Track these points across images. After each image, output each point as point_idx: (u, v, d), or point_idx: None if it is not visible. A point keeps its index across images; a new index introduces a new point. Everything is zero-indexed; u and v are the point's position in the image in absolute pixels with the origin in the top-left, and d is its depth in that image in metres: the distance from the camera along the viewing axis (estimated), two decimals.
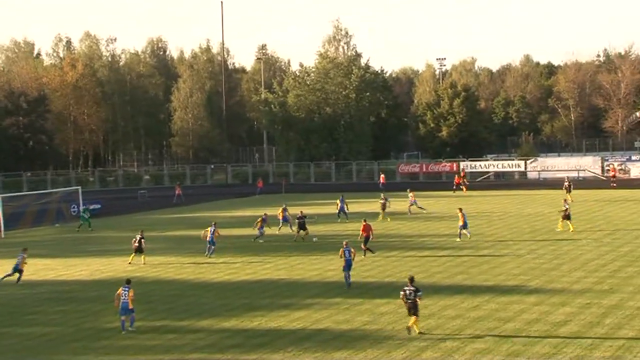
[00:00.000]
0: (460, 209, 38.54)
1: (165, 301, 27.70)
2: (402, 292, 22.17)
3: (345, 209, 47.68)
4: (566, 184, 55.13)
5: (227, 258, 36.31)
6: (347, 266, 28.67)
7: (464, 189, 64.35)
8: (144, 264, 35.13)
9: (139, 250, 35.15)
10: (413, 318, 21.76)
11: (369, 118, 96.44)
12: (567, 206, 40.87)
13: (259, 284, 30.09)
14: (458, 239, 37.78)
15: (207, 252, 36.60)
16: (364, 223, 34.90)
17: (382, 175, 72.08)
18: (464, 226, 37.93)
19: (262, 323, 24.12)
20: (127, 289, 23.92)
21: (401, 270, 31.19)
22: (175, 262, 35.96)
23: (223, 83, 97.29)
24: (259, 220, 41.21)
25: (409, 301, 21.79)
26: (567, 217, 39.77)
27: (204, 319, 24.93)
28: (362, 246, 34.34)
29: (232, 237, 42.80)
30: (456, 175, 68.12)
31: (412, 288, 22.02)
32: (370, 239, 34.70)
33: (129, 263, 35.27)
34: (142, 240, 35.21)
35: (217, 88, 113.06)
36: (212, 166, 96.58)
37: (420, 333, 21.82)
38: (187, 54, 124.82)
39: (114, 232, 48.23)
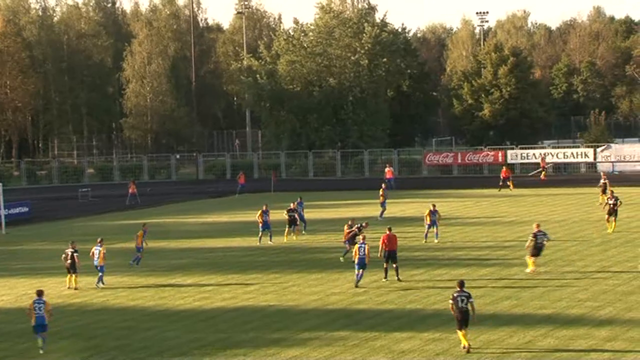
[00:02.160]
0: (434, 205, 42.09)
1: (116, 335, 27.73)
2: (451, 300, 24.38)
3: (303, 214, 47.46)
4: (602, 181, 54.86)
5: (198, 278, 36.35)
6: (360, 264, 32.41)
7: (511, 186, 64.39)
8: (76, 288, 34.91)
9: (73, 269, 35.03)
10: (463, 332, 24.08)
11: (387, 92, 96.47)
12: (615, 200, 42.39)
13: (240, 313, 30.11)
14: (424, 240, 40.88)
15: (131, 261, 38.71)
16: (388, 232, 34.17)
17: (389, 169, 71.84)
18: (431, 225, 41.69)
19: None
20: (41, 302, 25.91)
21: (429, 294, 31.23)
22: (129, 283, 36.00)
23: (192, 46, 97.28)
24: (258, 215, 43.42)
25: (462, 310, 24.10)
26: (612, 212, 42.25)
27: (168, 358, 24.91)
28: (385, 264, 33.69)
29: (204, 251, 42.85)
30: (504, 167, 68.24)
31: (464, 294, 24.18)
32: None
33: (68, 287, 35.32)
34: (76, 255, 35.00)
35: (184, 52, 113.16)
36: (178, 156, 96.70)
37: (468, 348, 23.87)
38: (144, 7, 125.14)
39: (47, 245, 48.27)
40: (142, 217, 58.62)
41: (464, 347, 24.16)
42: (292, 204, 46.11)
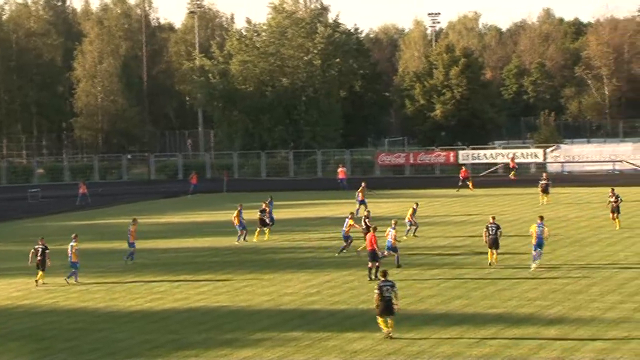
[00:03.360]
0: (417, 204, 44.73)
1: (66, 337, 27.49)
2: (376, 290, 25.68)
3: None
4: (543, 182, 56.26)
5: (150, 279, 36.16)
6: (391, 248, 35.55)
7: (471, 185, 64.80)
8: (43, 283, 35.33)
9: (42, 266, 35.34)
10: (383, 319, 25.55)
11: (339, 92, 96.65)
12: (616, 197, 43.77)
13: (192, 314, 30.02)
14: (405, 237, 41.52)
15: (125, 257, 39.30)
16: (372, 233, 34.48)
17: (341, 169, 72.23)
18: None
19: None
20: None
21: None
22: (78, 285, 35.69)
23: (144, 45, 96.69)
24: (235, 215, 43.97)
25: (386, 299, 25.38)
26: (616, 209, 43.63)
27: (118, 359, 24.83)
28: (369, 264, 33.92)
29: (156, 251, 42.64)
30: (462, 167, 68.83)
31: (388, 283, 25.64)
32: (380, 254, 34.53)
33: (37, 282, 35.25)
34: (47, 251, 35.45)
35: (136, 52, 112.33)
36: (130, 156, 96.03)
37: (388, 335, 25.32)
38: (95, 6, 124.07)
39: None
40: (93, 218, 58.26)
41: (386, 335, 25.36)
42: (263, 204, 46.03)
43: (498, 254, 35.93)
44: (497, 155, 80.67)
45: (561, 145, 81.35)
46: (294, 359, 24.21)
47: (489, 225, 35.98)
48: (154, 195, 71.42)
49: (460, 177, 66.00)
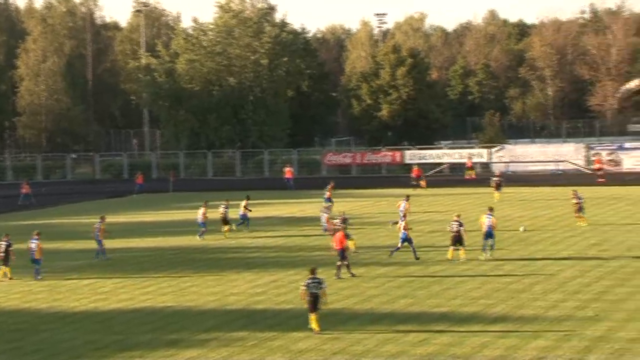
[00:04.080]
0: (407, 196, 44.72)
1: (8, 338, 27.16)
2: (304, 286, 26.19)
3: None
4: (496, 179, 58.75)
5: (94, 280, 35.87)
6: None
7: (424, 184, 65.18)
8: (10, 278, 35.84)
9: (6, 262, 35.96)
10: (314, 316, 26.03)
11: (286, 92, 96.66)
12: (580, 198, 44.68)
13: (137, 314, 29.85)
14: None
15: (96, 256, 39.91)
16: (341, 232, 35.04)
17: (288, 169, 72.35)
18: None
19: None
20: None
21: (327, 293, 31.33)
22: (20, 285, 35.30)
23: (89, 44, 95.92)
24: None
25: (314, 295, 25.92)
26: (580, 209, 44.64)
27: None
28: (338, 262, 34.25)
29: None
30: (414, 167, 69.28)
31: (316, 280, 26.14)
32: (350, 252, 35.06)
33: (1, 280, 35.28)
34: (10, 248, 36.02)
35: (81, 50, 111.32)
36: (74, 155, 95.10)
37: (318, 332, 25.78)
38: (39, 4, 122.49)
39: None
40: (36, 218, 57.57)
41: (314, 331, 25.87)
42: (225, 200, 47.45)
43: (464, 250, 36.76)
44: (443, 155, 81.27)
45: (505, 145, 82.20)
46: (240, 358, 24.18)
47: (452, 223, 36.77)
48: (99, 195, 70.85)
49: (413, 176, 66.41)
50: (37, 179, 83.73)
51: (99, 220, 40.98)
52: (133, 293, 33.10)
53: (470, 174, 72.29)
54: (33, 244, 36.13)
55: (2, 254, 35.98)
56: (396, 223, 42.75)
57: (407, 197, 46.68)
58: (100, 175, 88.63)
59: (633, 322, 26.05)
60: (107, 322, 28.96)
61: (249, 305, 30.33)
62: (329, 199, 52.62)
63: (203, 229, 45.31)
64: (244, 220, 47.43)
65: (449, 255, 36.74)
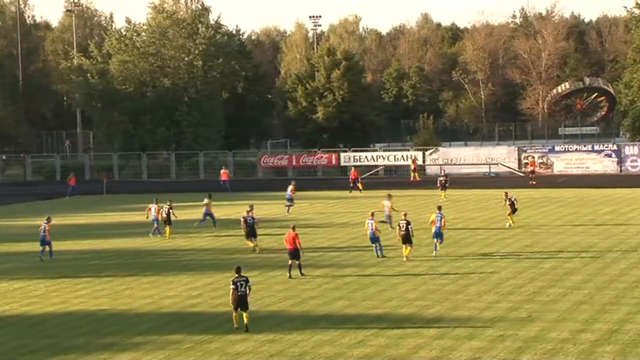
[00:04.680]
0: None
1: None
2: (232, 285, 26.69)
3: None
4: (441, 179, 60.47)
5: (25, 283, 35.28)
6: (373, 239, 37.36)
7: (361, 187, 65.19)
8: None
9: None
10: (237, 314, 26.69)
11: (221, 94, 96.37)
12: (512, 198, 45.49)
13: (70, 318, 29.43)
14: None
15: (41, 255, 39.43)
16: (292, 231, 34.81)
17: (224, 170, 72.14)
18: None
19: None
20: None
21: (263, 296, 31.33)
22: None
23: (19, 43, 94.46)
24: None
25: (240, 294, 26.57)
26: (513, 210, 45.49)
27: None
28: (289, 261, 34.53)
29: (32, 254, 41.58)
30: (352, 169, 69.41)
31: (242, 278, 26.71)
32: (301, 252, 35.00)
33: None
34: None
35: (11, 50, 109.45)
36: (4, 157, 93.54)
37: (244, 328, 26.38)
38: None
39: None
40: None
41: (236, 328, 26.57)
42: (168, 201, 47.11)
43: (411, 248, 37.29)
44: (378, 157, 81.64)
45: (440, 148, 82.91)
46: None
47: (400, 222, 37.17)
48: (31, 197, 69.81)
49: (351, 179, 66.55)
50: None
51: (45, 220, 40.68)
52: (66, 296, 32.63)
53: (414, 176, 72.68)
54: None
55: None
56: (385, 222, 43.49)
57: (389, 195, 46.97)
58: (31, 176, 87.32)
59: (565, 323, 26.45)
60: (39, 325, 28.52)
61: (184, 308, 30.12)
62: (290, 198, 54.42)
63: (156, 225, 45.66)
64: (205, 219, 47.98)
65: (404, 253, 37.16)
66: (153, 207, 46.53)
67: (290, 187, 55.29)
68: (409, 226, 37.03)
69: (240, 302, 26.57)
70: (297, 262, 34.56)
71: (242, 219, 41.15)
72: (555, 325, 26.26)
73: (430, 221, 38.43)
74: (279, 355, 24.09)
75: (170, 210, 45.95)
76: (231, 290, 26.73)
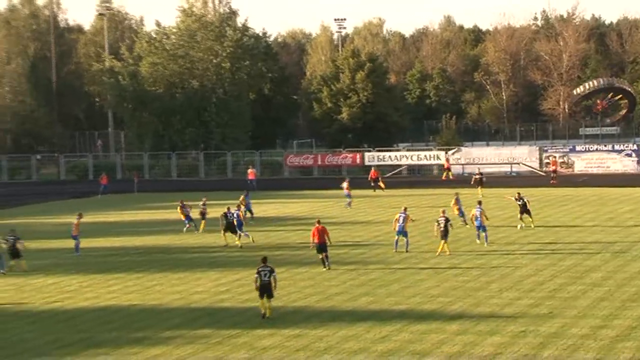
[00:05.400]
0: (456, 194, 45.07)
1: None
2: (256, 274, 27.62)
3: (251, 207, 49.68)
4: (477, 176, 61.33)
5: (60, 278, 35.54)
6: (401, 232, 37.94)
7: (383, 186, 65.06)
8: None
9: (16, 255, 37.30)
10: (263, 301, 27.53)
11: (249, 95, 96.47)
12: (522, 199, 44.57)
13: (102, 313, 29.61)
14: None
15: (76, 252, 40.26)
16: (318, 225, 35.72)
17: (251, 170, 72.29)
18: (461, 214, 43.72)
19: None
20: None
21: (290, 292, 31.39)
22: None
23: (52, 46, 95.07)
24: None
25: (264, 283, 27.36)
26: (526, 211, 44.49)
27: (27, 359, 24.27)
28: (320, 255, 35.36)
29: (66, 251, 41.90)
30: (372, 169, 69.25)
31: (267, 268, 27.47)
32: (329, 244, 35.76)
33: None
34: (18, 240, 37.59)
35: (45, 53, 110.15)
36: (39, 157, 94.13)
37: (264, 315, 27.35)
38: (2, 7, 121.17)
39: None
40: (2, 218, 56.85)
41: (267, 313, 27.50)
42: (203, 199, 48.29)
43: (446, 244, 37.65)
44: (402, 157, 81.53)
45: (462, 147, 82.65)
46: (204, 356, 24.07)
47: (439, 219, 37.65)
48: (64, 196, 70.21)
49: (371, 178, 66.37)
50: (3, 180, 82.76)
51: (77, 216, 41.76)
52: (98, 292, 32.84)
53: (447, 175, 72.43)
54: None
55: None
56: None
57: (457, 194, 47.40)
58: (65, 176, 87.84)
59: (585, 319, 26.33)
60: (73, 320, 28.72)
61: (213, 304, 30.23)
62: (348, 195, 56.00)
63: (189, 224, 46.39)
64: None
65: (439, 249, 37.45)
66: (183, 205, 46.94)
67: (345, 185, 56.78)
68: (448, 223, 37.50)
69: (265, 290, 27.45)
70: (324, 254, 35.25)
71: (222, 215, 42.15)
72: (575, 321, 26.15)
73: (471, 215, 39.80)
74: (305, 350, 24.14)
75: (204, 207, 46.77)
76: (255, 279, 27.63)
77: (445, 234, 37.49)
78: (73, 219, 41.88)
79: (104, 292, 32.72)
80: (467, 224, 43.91)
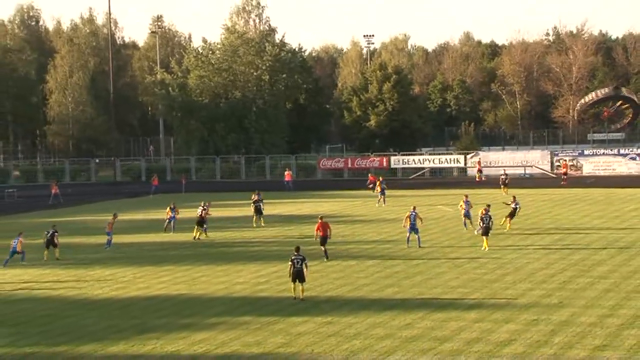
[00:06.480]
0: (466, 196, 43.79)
1: (38, 323, 27.04)
2: (290, 262, 28.29)
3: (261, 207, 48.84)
4: (503, 177, 61.52)
5: (115, 270, 35.77)
6: (413, 229, 37.48)
7: (378, 190, 64.44)
8: (57, 258, 37.92)
9: (53, 245, 38.50)
10: (295, 285, 28.19)
11: (285, 104, 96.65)
12: (516, 204, 43.20)
13: (153, 301, 29.74)
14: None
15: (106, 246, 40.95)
16: (320, 221, 36.28)
17: (287, 172, 72.27)
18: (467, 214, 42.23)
19: (157, 347, 23.82)
20: None
21: (322, 283, 31.36)
22: (50, 275, 35.18)
23: (110, 61, 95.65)
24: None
25: (297, 270, 28.00)
26: (513, 215, 42.86)
27: (86, 343, 24.42)
28: (322, 248, 35.88)
29: (122, 246, 42.20)
30: (370, 174, 68.93)
31: (299, 256, 28.16)
32: (329, 238, 36.29)
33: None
34: (55, 234, 38.71)
35: (103, 67, 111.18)
36: (97, 160, 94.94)
37: (297, 297, 28.08)
38: (66, 25, 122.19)
39: None
40: (64, 215, 57.41)
41: (294, 298, 28.23)
42: (254, 196, 48.44)
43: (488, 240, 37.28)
44: (424, 160, 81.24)
45: (480, 152, 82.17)
46: (245, 340, 24.11)
47: (483, 216, 37.46)
48: (119, 196, 70.67)
49: (370, 182, 65.74)
50: (65, 181, 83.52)
51: (112, 216, 42.72)
52: (150, 282, 33.01)
53: (479, 177, 72.14)
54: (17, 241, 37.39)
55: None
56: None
57: (467, 196, 44.66)
58: (120, 177, 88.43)
59: (593, 309, 26.06)
60: (126, 308, 28.87)
61: (253, 293, 30.26)
62: (383, 192, 56.28)
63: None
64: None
65: (485, 245, 36.94)
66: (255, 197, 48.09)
67: (377, 183, 57.43)
68: (491, 220, 37.31)
69: (297, 276, 28.06)
70: (324, 248, 35.81)
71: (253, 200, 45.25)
72: (584, 310, 25.89)
73: (480, 213, 38.96)
74: (336, 336, 24.10)
75: (260, 203, 47.65)
76: (289, 266, 28.27)
77: (486, 231, 37.12)
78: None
79: (155, 283, 32.87)
80: (467, 227, 42.07)
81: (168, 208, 47.33)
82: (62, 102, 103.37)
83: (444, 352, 22.26)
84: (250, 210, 48.44)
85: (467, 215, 42.55)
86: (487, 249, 36.76)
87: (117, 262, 37.63)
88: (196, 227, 43.75)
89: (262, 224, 47.18)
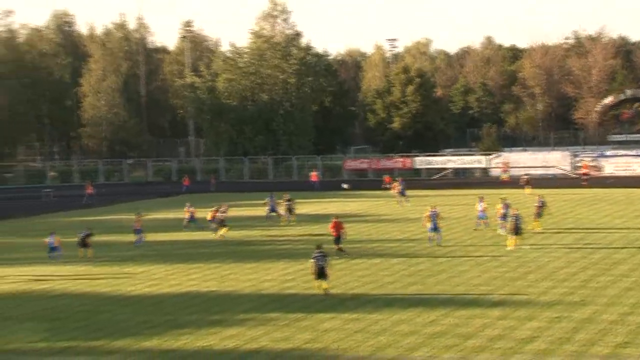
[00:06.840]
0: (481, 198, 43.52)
1: (75, 318, 27.28)
2: (312, 259, 28.60)
3: (276, 208, 48.66)
4: (525, 177, 61.50)
5: (148, 267, 35.98)
6: (435, 229, 37.51)
7: (394, 191, 64.25)
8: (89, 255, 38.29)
9: (86, 245, 38.95)
10: (319, 282, 28.40)
11: (311, 107, 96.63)
12: (542, 202, 42.93)
13: (185, 298, 29.88)
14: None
15: (136, 243, 41.78)
16: (335, 220, 36.49)
17: (314, 172, 72.24)
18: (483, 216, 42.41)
19: (189, 342, 23.94)
20: None
21: (347, 280, 31.36)
22: (86, 272, 35.45)
23: (142, 65, 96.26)
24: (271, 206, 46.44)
25: (320, 266, 28.10)
26: (538, 214, 42.54)
27: (121, 338, 24.62)
28: (335, 246, 35.87)
29: (154, 244, 42.43)
30: (385, 176, 68.72)
31: (321, 254, 28.39)
32: (343, 238, 36.43)
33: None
34: (89, 235, 39.30)
35: (135, 70, 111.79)
36: (130, 161, 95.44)
37: (325, 292, 28.43)
38: (99, 31, 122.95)
39: (15, 238, 47.18)
40: (98, 214, 57.82)
41: (324, 292, 28.37)
42: (285, 196, 49.86)
43: (516, 239, 37.04)
44: (447, 161, 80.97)
45: (501, 153, 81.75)
46: (273, 336, 24.17)
47: (511, 216, 37.55)
48: (151, 195, 71.05)
49: (386, 182, 65.62)
50: (99, 181, 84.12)
51: (137, 214, 43.92)
52: (181, 279, 33.17)
53: (505, 177, 72.05)
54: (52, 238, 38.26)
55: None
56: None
57: (482, 197, 44.82)
58: (152, 178, 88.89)
59: (614, 306, 25.86)
60: (159, 304, 29.04)
61: (281, 290, 30.32)
62: (402, 192, 56.58)
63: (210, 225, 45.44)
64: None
65: (513, 243, 36.67)
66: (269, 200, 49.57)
67: (395, 184, 57.79)
68: (519, 220, 37.08)
69: (320, 273, 28.28)
70: (339, 246, 35.99)
71: (285, 201, 46.15)
72: (605, 308, 25.70)
73: (497, 211, 39.74)
74: (362, 332, 24.09)
75: (289, 203, 48.44)
76: (312, 263, 28.57)
77: (515, 230, 36.88)
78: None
79: (186, 280, 33.03)
80: (477, 228, 42.13)
81: (185, 208, 48.15)
82: (95, 105, 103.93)
83: (468, 348, 22.18)
84: (282, 209, 48.88)
85: (482, 217, 42.82)
86: (512, 247, 36.47)
87: (149, 260, 37.86)
88: (219, 227, 43.77)
89: (293, 221, 48.06)
